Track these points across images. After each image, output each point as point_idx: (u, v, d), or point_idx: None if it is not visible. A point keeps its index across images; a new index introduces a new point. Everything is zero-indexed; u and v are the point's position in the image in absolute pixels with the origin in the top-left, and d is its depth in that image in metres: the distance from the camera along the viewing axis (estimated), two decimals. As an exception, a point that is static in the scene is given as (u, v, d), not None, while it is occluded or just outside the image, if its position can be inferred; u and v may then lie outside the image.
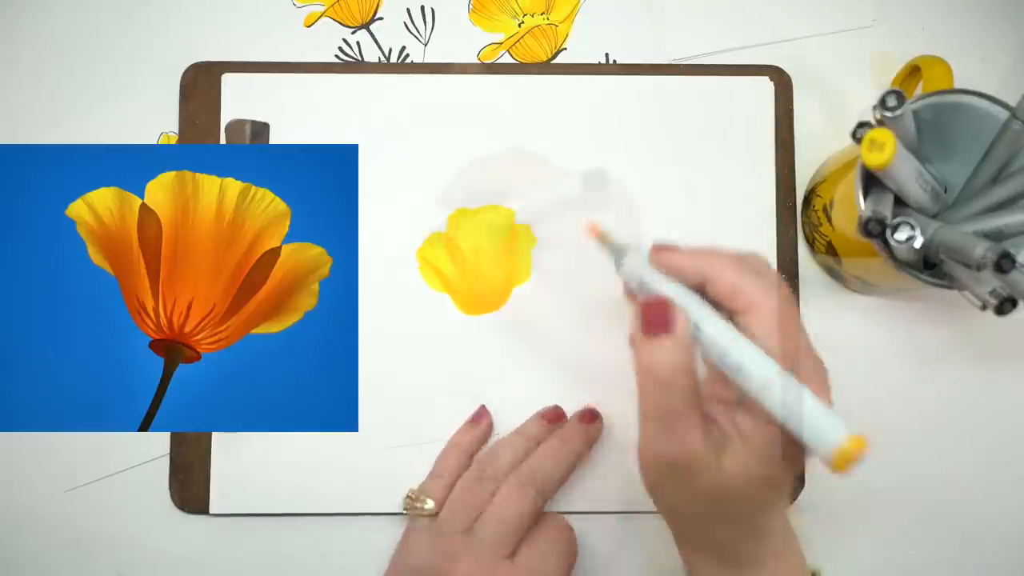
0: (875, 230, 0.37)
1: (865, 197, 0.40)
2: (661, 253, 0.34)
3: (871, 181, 0.40)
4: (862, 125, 0.38)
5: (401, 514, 0.46)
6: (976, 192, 0.42)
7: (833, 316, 0.48)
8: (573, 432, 0.45)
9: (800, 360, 0.32)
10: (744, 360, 0.31)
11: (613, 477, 0.46)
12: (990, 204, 0.41)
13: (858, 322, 0.48)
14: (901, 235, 0.37)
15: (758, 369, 0.31)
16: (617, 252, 0.36)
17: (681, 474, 0.33)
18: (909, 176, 0.39)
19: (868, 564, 0.47)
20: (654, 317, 0.32)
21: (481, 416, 0.46)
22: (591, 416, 0.46)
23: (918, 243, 0.37)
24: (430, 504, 0.44)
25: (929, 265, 0.40)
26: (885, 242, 0.38)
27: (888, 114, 0.37)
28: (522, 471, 0.43)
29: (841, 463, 0.29)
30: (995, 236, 0.39)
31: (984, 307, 0.37)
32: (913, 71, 0.46)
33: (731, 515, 0.34)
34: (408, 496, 0.45)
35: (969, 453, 0.48)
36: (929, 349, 0.48)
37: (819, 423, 0.30)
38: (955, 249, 0.37)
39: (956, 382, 0.48)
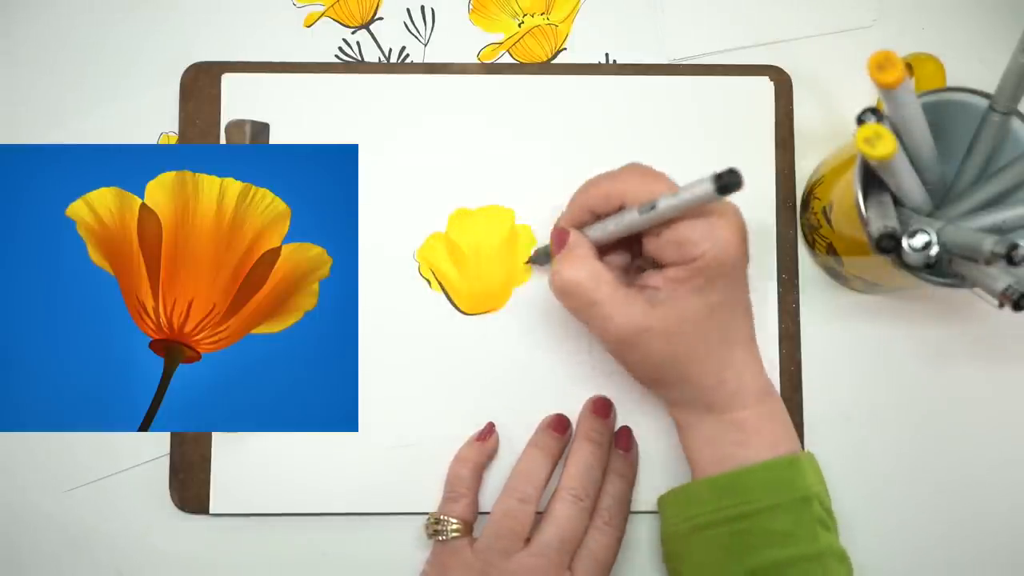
0: (889, 246, 0.37)
1: (863, 198, 0.40)
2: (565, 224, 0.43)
3: (869, 182, 0.40)
4: (870, 111, 0.38)
5: (401, 514, 0.46)
6: (965, 189, 0.42)
7: (834, 316, 0.48)
8: (598, 431, 0.45)
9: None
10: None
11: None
12: (982, 200, 0.41)
13: (859, 322, 0.48)
14: (918, 242, 0.37)
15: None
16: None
17: (625, 344, 0.39)
18: (908, 171, 0.39)
19: (868, 563, 0.47)
20: (555, 242, 0.41)
21: (489, 432, 0.46)
22: (604, 409, 0.46)
23: (934, 251, 0.37)
24: (455, 525, 0.44)
25: (927, 264, 0.40)
26: (898, 254, 0.38)
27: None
28: (570, 485, 0.43)
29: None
30: (994, 232, 0.39)
31: (1001, 305, 0.37)
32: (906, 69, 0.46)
33: (688, 357, 0.39)
34: (431, 521, 0.44)
35: (973, 452, 0.48)
36: (932, 347, 0.48)
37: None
38: (963, 246, 0.37)
39: (960, 380, 0.48)
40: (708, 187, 0.35)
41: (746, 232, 0.39)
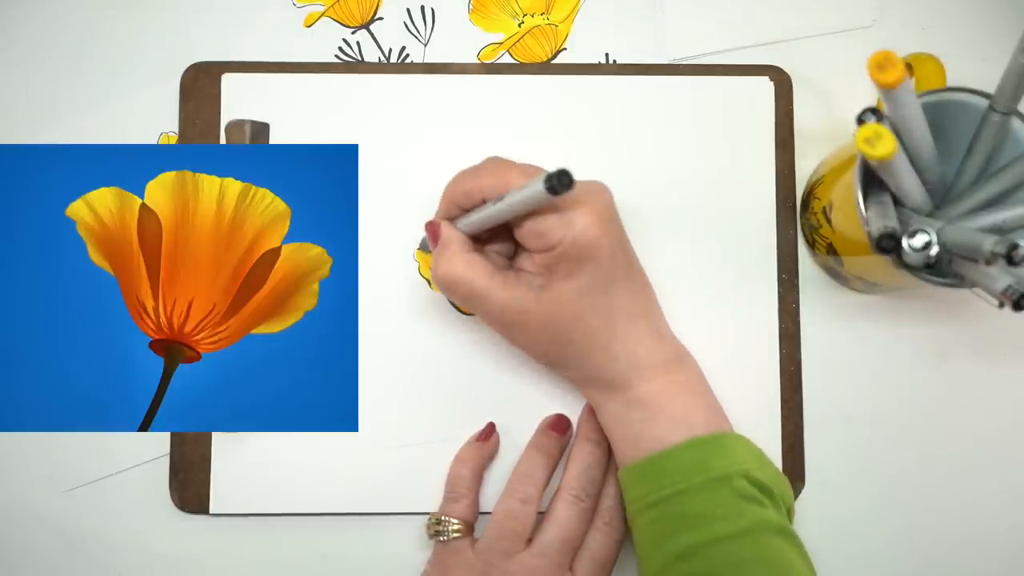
0: (889, 246, 0.37)
1: (863, 198, 0.40)
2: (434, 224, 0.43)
3: (869, 182, 0.40)
4: (870, 111, 0.38)
5: (401, 514, 0.46)
6: (965, 189, 0.42)
7: (834, 316, 0.48)
8: (598, 432, 0.45)
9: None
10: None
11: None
12: (982, 200, 0.41)
13: (859, 322, 0.48)
14: (918, 242, 0.37)
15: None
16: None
17: (510, 325, 0.41)
18: (908, 171, 0.39)
19: (868, 564, 0.47)
20: (429, 235, 0.42)
21: (489, 432, 0.46)
22: None
23: (934, 251, 0.37)
24: (456, 525, 0.44)
25: (927, 264, 0.40)
26: (898, 254, 0.38)
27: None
28: (571, 486, 0.43)
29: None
30: (994, 232, 0.39)
31: (1001, 305, 0.37)
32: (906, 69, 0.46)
33: (569, 339, 0.41)
34: (431, 522, 0.44)
35: (972, 452, 0.48)
36: (931, 347, 0.48)
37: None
38: (962, 246, 0.37)
39: (960, 380, 0.48)
40: (539, 187, 0.36)
41: (610, 211, 0.40)
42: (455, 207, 0.42)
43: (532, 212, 0.39)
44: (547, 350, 0.42)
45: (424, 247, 0.47)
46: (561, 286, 0.40)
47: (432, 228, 0.42)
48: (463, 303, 0.41)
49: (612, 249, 0.40)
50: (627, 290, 0.41)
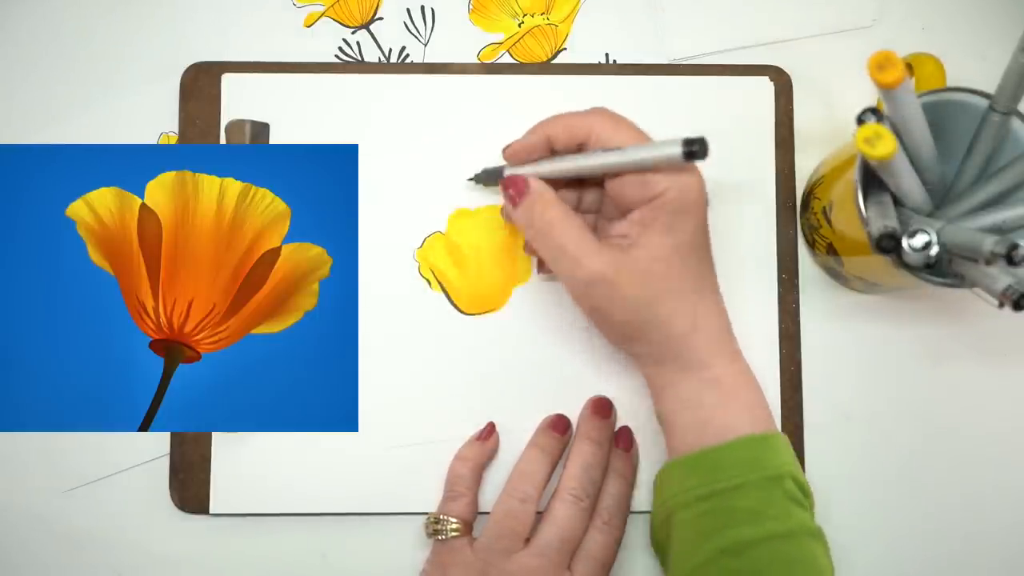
0: (889, 246, 0.37)
1: (863, 198, 0.40)
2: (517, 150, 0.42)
3: (869, 182, 0.40)
4: (870, 111, 0.38)
5: (401, 514, 0.46)
6: (965, 189, 0.42)
7: (834, 316, 0.48)
8: (598, 431, 0.45)
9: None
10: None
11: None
12: (982, 200, 0.41)
13: (859, 322, 0.48)
14: (918, 242, 0.37)
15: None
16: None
17: (596, 287, 0.39)
18: (908, 171, 0.39)
19: (868, 563, 0.47)
20: (512, 188, 0.41)
21: (489, 432, 0.46)
22: (605, 409, 0.46)
23: (934, 251, 0.37)
24: (455, 524, 0.44)
25: (927, 264, 0.40)
26: (898, 254, 0.38)
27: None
28: (570, 485, 0.43)
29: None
30: (994, 232, 0.39)
31: (1001, 305, 0.37)
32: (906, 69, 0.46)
33: (654, 300, 0.39)
34: (430, 521, 0.44)
35: (973, 451, 0.48)
36: (931, 347, 0.48)
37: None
38: (963, 246, 0.37)
39: (960, 380, 0.48)
40: (676, 149, 0.36)
41: (704, 187, 0.40)
42: (547, 140, 0.41)
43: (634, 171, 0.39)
44: (630, 317, 0.40)
45: (481, 179, 0.46)
46: (660, 240, 0.39)
47: (516, 182, 0.41)
48: (550, 257, 0.40)
49: (706, 216, 0.40)
50: (710, 261, 0.41)
